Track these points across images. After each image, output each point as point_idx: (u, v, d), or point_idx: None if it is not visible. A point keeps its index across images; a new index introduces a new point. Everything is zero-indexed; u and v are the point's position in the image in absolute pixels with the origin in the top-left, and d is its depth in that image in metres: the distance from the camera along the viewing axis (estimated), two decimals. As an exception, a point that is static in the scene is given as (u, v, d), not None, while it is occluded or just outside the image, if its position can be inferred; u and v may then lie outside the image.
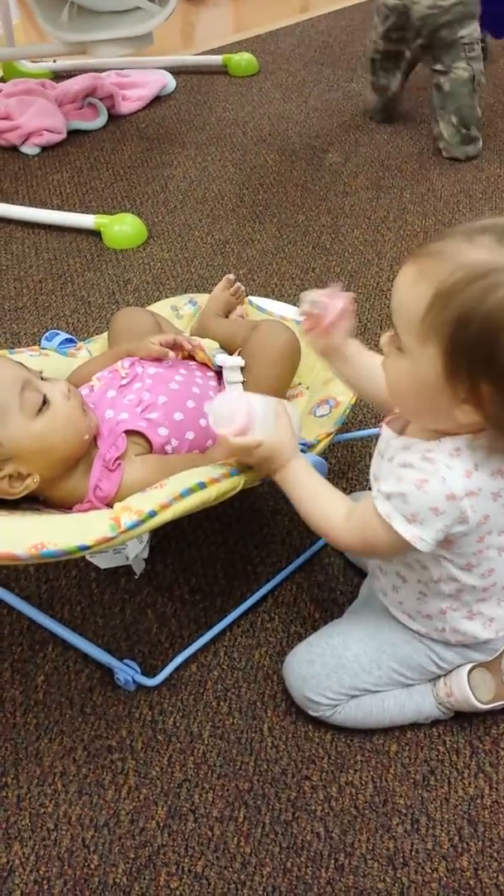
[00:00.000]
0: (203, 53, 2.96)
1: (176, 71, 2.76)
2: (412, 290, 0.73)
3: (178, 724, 1.04)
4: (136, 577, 1.20)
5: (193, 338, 1.23)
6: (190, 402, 1.11)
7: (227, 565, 1.23)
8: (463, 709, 0.99)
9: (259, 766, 1.00)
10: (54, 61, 2.76)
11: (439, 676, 1.00)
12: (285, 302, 1.47)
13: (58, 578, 1.22)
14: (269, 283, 1.82)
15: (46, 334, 1.34)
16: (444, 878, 0.90)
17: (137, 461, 1.04)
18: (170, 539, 1.26)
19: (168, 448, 1.08)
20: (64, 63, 2.75)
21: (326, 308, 0.96)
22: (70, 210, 2.08)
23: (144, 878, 0.91)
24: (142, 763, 1.01)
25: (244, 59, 2.78)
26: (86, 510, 1.01)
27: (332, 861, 0.92)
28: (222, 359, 1.21)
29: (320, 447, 1.11)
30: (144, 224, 1.99)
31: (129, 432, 1.06)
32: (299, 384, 1.30)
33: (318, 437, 1.11)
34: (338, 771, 0.99)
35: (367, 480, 0.97)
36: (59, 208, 2.10)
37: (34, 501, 1.04)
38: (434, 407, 0.77)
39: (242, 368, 1.20)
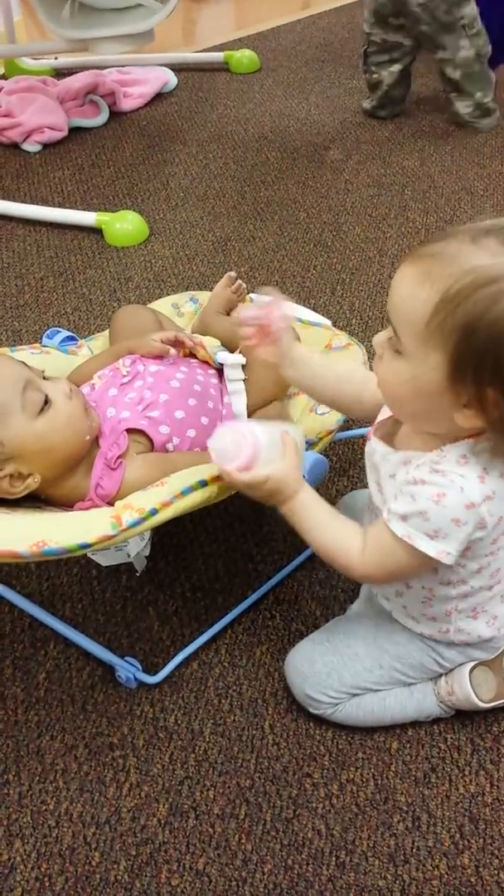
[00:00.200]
0: (204, 50, 2.96)
1: (177, 68, 2.76)
2: (415, 292, 0.72)
3: (179, 722, 1.04)
4: (138, 574, 1.21)
5: (195, 335, 1.23)
6: (191, 401, 1.11)
7: (229, 563, 1.23)
8: (464, 707, 0.99)
9: (260, 763, 1.00)
10: (56, 58, 2.76)
11: (441, 675, 1.00)
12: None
13: (59, 576, 1.22)
14: (270, 280, 1.82)
15: (48, 332, 1.34)
16: (445, 876, 0.90)
17: (139, 459, 1.04)
18: (171, 537, 1.26)
19: (169, 446, 1.08)
20: (65, 60, 2.75)
21: (269, 316, 0.94)
22: (71, 207, 2.08)
23: (146, 876, 0.91)
24: (143, 760, 1.01)
25: (245, 57, 2.78)
26: (87, 508, 1.01)
27: (334, 858, 0.92)
28: (223, 356, 1.21)
29: (321, 445, 1.11)
30: (146, 221, 1.99)
31: (130, 430, 1.06)
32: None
33: (319, 435, 1.11)
34: (339, 768, 0.99)
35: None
36: (61, 206, 2.10)
37: (35, 500, 1.04)
38: (433, 410, 0.76)
39: (243, 366, 1.20)
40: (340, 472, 1.35)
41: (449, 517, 0.77)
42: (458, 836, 0.93)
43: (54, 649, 1.12)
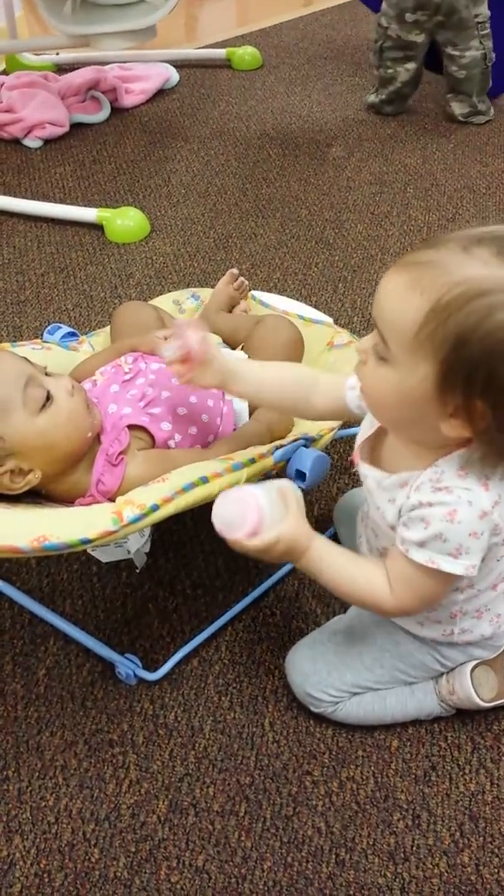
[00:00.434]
0: (206, 47, 2.95)
1: (179, 64, 2.75)
2: (404, 300, 0.70)
3: (179, 719, 1.04)
4: (138, 571, 1.20)
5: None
6: (192, 398, 1.11)
7: (229, 560, 1.22)
8: (465, 706, 0.99)
9: (260, 760, 1.00)
10: (57, 54, 2.76)
11: (442, 674, 1.00)
12: (288, 297, 1.47)
13: (59, 572, 1.22)
14: (271, 277, 1.82)
15: (49, 328, 1.33)
16: (445, 874, 0.90)
17: (140, 456, 1.04)
18: (171, 533, 1.26)
19: (171, 443, 1.08)
20: (67, 56, 2.75)
21: (186, 343, 0.93)
22: (72, 203, 2.08)
23: (145, 872, 0.91)
24: (143, 757, 1.01)
25: (248, 53, 2.78)
26: (88, 504, 1.01)
27: (333, 856, 0.92)
28: (224, 354, 1.20)
29: (323, 442, 1.10)
30: (147, 218, 1.99)
31: (131, 427, 1.06)
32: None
33: (320, 433, 1.11)
34: (339, 766, 0.99)
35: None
36: (62, 202, 2.10)
37: (36, 495, 1.04)
38: (418, 418, 0.75)
39: (245, 363, 1.19)
40: (342, 469, 1.35)
41: (466, 532, 0.76)
42: (458, 834, 0.93)
43: (54, 646, 1.12)
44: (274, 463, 1.01)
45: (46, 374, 1.03)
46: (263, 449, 1.02)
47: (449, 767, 0.99)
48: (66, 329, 1.33)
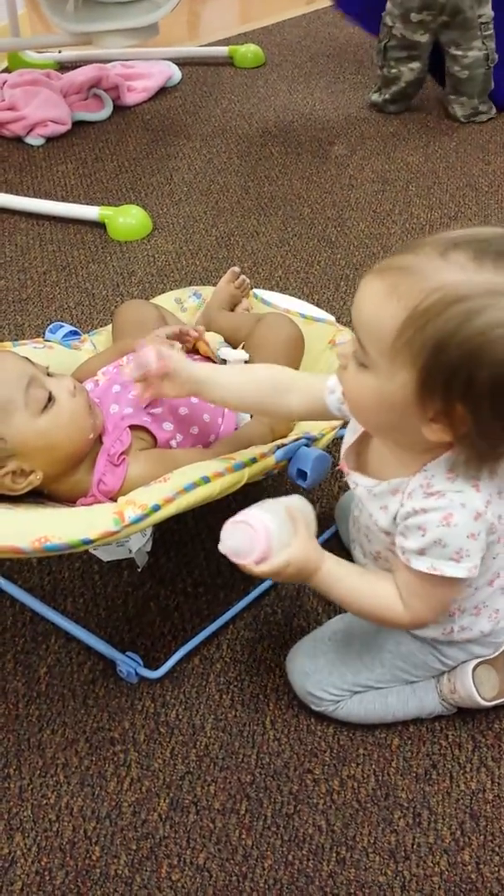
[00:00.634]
0: (209, 45, 2.95)
1: (181, 62, 2.75)
2: (383, 306, 0.70)
3: (180, 717, 1.04)
4: (140, 569, 1.21)
5: (198, 326, 1.23)
6: (194, 398, 1.11)
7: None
8: (466, 705, 0.99)
9: (261, 758, 1.00)
10: (59, 52, 2.76)
11: (443, 673, 1.00)
12: (290, 295, 1.47)
13: (61, 571, 1.22)
14: (273, 275, 1.81)
15: (50, 326, 1.33)
16: (446, 872, 0.90)
17: (142, 456, 1.04)
18: (173, 532, 1.26)
19: (172, 443, 1.08)
20: (69, 54, 2.74)
21: (143, 362, 0.93)
22: (74, 201, 2.08)
23: (146, 870, 0.91)
24: (144, 755, 1.01)
25: (250, 51, 2.77)
26: (89, 504, 1.01)
27: (334, 854, 0.92)
28: (226, 352, 1.20)
29: (325, 441, 1.10)
30: (149, 216, 1.99)
31: (133, 427, 1.06)
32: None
33: (322, 431, 1.11)
34: (340, 764, 0.99)
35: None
36: (64, 200, 2.09)
37: (37, 495, 1.04)
38: (399, 422, 0.75)
39: (246, 362, 1.20)
40: (343, 468, 1.35)
41: (464, 535, 0.76)
42: (458, 832, 0.93)
43: (56, 644, 1.13)
44: (275, 462, 1.01)
45: (48, 374, 1.03)
46: (265, 448, 1.02)
47: (450, 766, 0.99)
48: (67, 327, 1.33)
